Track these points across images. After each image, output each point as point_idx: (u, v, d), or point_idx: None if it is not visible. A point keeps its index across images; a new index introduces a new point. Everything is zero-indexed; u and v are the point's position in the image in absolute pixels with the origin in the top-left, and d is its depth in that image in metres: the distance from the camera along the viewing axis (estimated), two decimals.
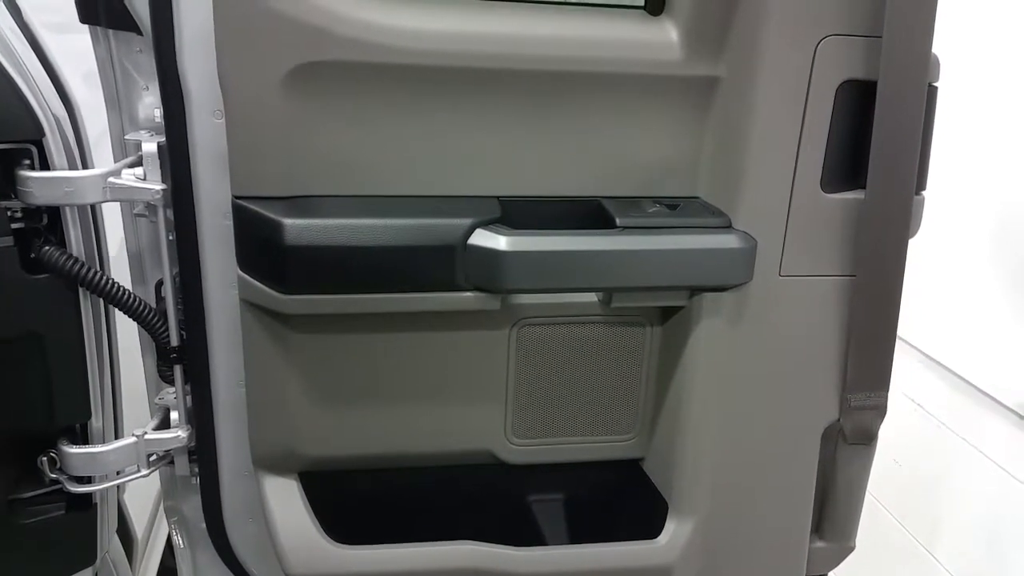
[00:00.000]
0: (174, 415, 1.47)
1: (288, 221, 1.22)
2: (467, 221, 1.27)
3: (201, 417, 1.44)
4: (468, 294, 1.29)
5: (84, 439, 1.45)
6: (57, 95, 1.32)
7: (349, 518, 1.44)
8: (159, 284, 1.46)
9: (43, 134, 1.27)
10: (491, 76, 1.25)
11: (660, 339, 1.46)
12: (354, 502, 1.48)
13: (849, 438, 1.43)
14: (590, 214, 1.34)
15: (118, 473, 1.46)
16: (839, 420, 1.41)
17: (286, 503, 1.41)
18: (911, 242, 1.32)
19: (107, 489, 1.47)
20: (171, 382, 1.46)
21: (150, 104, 1.37)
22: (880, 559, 2.84)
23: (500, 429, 1.46)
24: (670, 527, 1.46)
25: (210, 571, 1.61)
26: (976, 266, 2.53)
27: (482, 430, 1.45)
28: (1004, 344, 2.43)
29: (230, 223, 1.28)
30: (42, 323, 1.35)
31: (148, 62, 1.31)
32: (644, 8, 1.30)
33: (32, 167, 1.28)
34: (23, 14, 1.34)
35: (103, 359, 1.43)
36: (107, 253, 1.41)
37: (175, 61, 1.24)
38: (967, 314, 2.58)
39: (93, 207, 1.36)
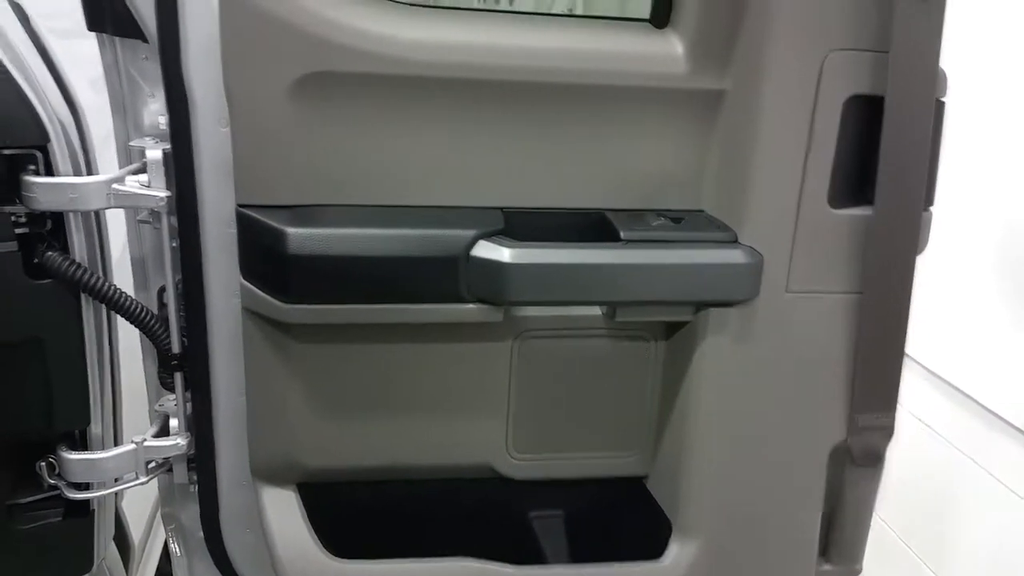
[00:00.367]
0: (173, 422, 1.46)
1: (291, 230, 1.21)
2: (470, 232, 1.26)
3: (201, 425, 1.43)
4: (470, 306, 1.28)
5: (83, 445, 1.44)
6: (63, 100, 1.32)
7: (347, 530, 1.43)
8: (161, 291, 1.46)
9: (48, 139, 1.27)
10: (495, 87, 1.24)
11: (664, 354, 1.45)
12: (353, 514, 1.47)
13: (856, 459, 1.41)
14: (594, 226, 1.33)
15: (116, 480, 1.45)
16: (846, 441, 1.40)
17: (284, 514, 1.40)
18: (918, 258, 1.31)
19: (105, 496, 1.46)
20: (171, 389, 1.46)
21: (155, 111, 1.37)
22: None
23: (501, 443, 1.45)
24: (673, 548, 1.44)
25: None
26: (983, 282, 2.51)
27: (483, 444, 1.44)
28: (1012, 362, 2.41)
29: (234, 231, 1.28)
30: (44, 328, 1.34)
31: (154, 69, 1.31)
32: (649, 21, 1.30)
33: (37, 172, 1.27)
34: (30, 19, 1.34)
35: (104, 365, 1.42)
36: (110, 259, 1.40)
37: (181, 69, 1.24)
38: (974, 331, 2.55)
39: (97, 213, 1.36)
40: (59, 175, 1.29)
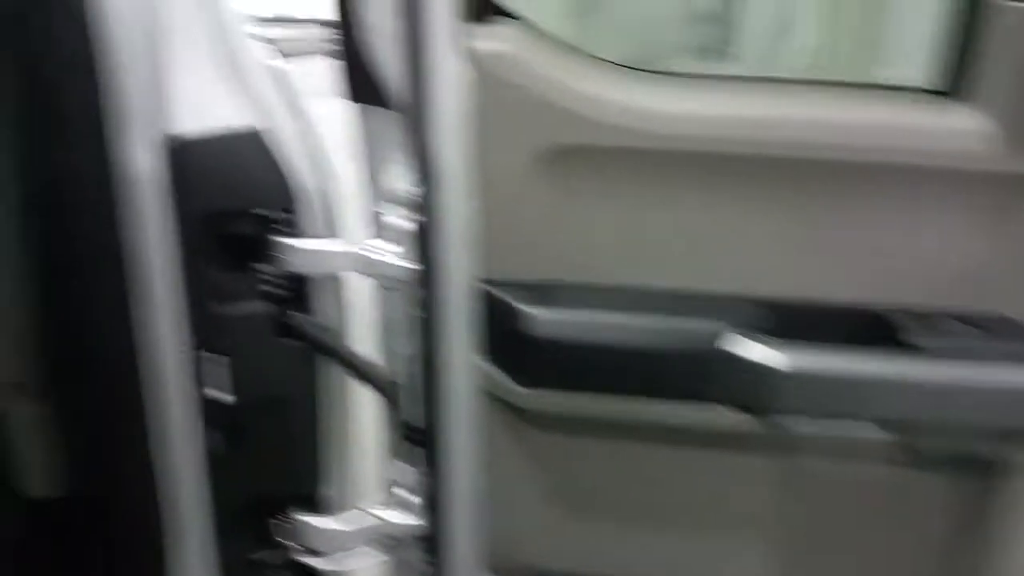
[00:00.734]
0: (406, 495, 1.42)
1: (531, 311, 1.13)
2: (726, 326, 1.11)
3: (435, 506, 1.37)
4: (726, 411, 1.13)
5: (316, 509, 1.43)
6: (314, 162, 1.32)
7: None
8: (403, 360, 1.42)
9: (298, 202, 1.27)
10: (755, 163, 1.09)
11: (964, 494, 1.21)
12: None
13: None
14: (868, 327, 1.13)
15: (345, 549, 1.43)
16: None
17: None
18: None
19: (333, 563, 1.44)
20: (407, 461, 1.41)
21: (403, 179, 1.32)
22: None
23: (747, 571, 1.27)
24: None
25: None
26: None
27: (727, 569, 1.27)
28: None
29: (476, 306, 1.21)
30: (284, 388, 1.34)
31: (403, 138, 1.27)
32: (945, 93, 1.08)
33: (285, 234, 1.27)
34: (287, 79, 1.34)
35: (341, 428, 1.40)
36: (353, 324, 1.38)
37: (429, 140, 1.18)
38: None
39: (341, 277, 1.34)
40: (306, 237, 1.28)
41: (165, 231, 1.20)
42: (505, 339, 1.17)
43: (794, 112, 1.10)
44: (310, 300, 1.32)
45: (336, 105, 1.30)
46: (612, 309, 1.14)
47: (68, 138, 1.18)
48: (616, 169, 1.13)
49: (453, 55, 1.07)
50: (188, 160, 1.21)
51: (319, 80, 1.36)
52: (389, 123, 1.30)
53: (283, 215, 1.27)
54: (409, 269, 1.28)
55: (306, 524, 1.40)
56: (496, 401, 1.21)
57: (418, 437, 1.39)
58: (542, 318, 1.13)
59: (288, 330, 1.31)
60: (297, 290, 1.32)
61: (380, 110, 1.29)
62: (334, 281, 1.33)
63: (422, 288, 1.29)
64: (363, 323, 1.42)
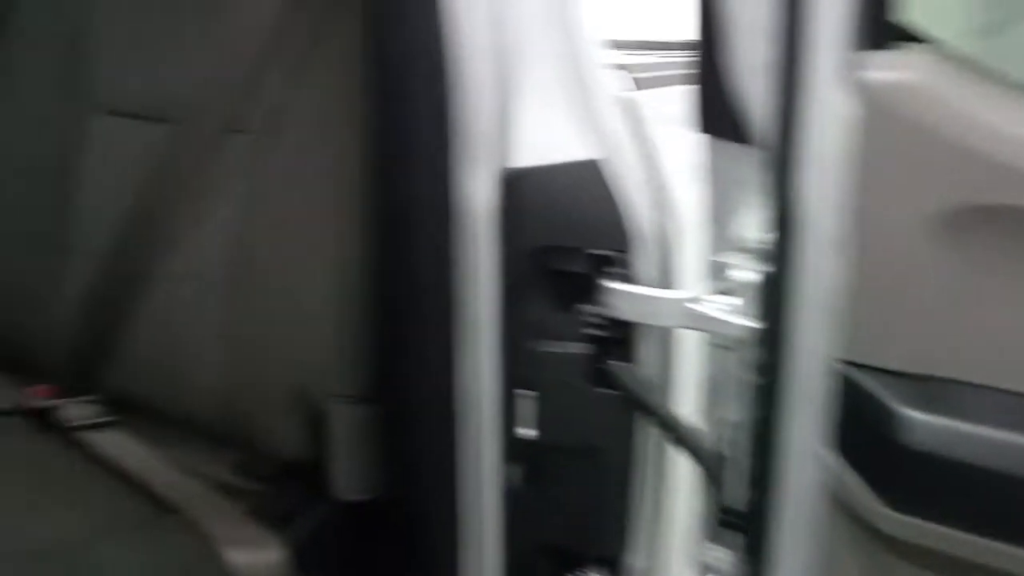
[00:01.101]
0: None
1: (908, 411, 0.90)
2: None
3: None
4: None
5: (616, 573, 1.31)
6: (656, 201, 1.20)
7: None
8: (729, 428, 1.25)
9: (633, 243, 1.17)
10: None
11: None
12: None
13: None
14: None
15: None
16: None
17: None
18: None
19: None
20: (724, 546, 1.24)
21: (752, 226, 1.16)
22: None
23: None
24: None
25: None
26: None
27: None
28: None
29: (833, 389, 1.01)
30: (594, 438, 1.25)
31: (760, 177, 1.11)
32: None
33: (616, 277, 1.18)
34: (637, 111, 1.23)
35: (654, 492, 1.27)
36: (677, 382, 1.25)
37: (793, 181, 1.00)
38: None
39: (671, 329, 1.22)
40: (638, 283, 1.18)
41: (495, 263, 1.17)
42: (867, 439, 0.97)
43: None
44: (633, 349, 1.22)
45: (684, 138, 1.17)
46: (1016, 429, 0.88)
47: (411, 165, 1.19)
48: None
49: (836, 87, 0.89)
50: (523, 192, 1.17)
51: (669, 110, 1.24)
52: (744, 160, 1.15)
53: (616, 255, 1.18)
54: (750, 329, 1.12)
55: None
56: (843, 509, 1.00)
57: (739, 523, 1.22)
58: (923, 423, 0.89)
59: (605, 378, 1.22)
60: (620, 337, 1.22)
61: (735, 145, 1.14)
62: (662, 332, 1.22)
63: (764, 353, 1.12)
64: (689, 382, 1.28)
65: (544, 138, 1.18)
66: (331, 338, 1.32)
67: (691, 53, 1.10)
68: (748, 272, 1.11)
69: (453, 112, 1.12)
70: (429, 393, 1.23)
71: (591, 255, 1.19)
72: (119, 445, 1.41)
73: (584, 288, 1.20)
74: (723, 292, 1.15)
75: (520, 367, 1.22)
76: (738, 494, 1.20)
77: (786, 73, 0.90)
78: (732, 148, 1.13)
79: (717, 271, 1.19)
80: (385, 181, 1.23)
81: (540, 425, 1.24)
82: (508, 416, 1.23)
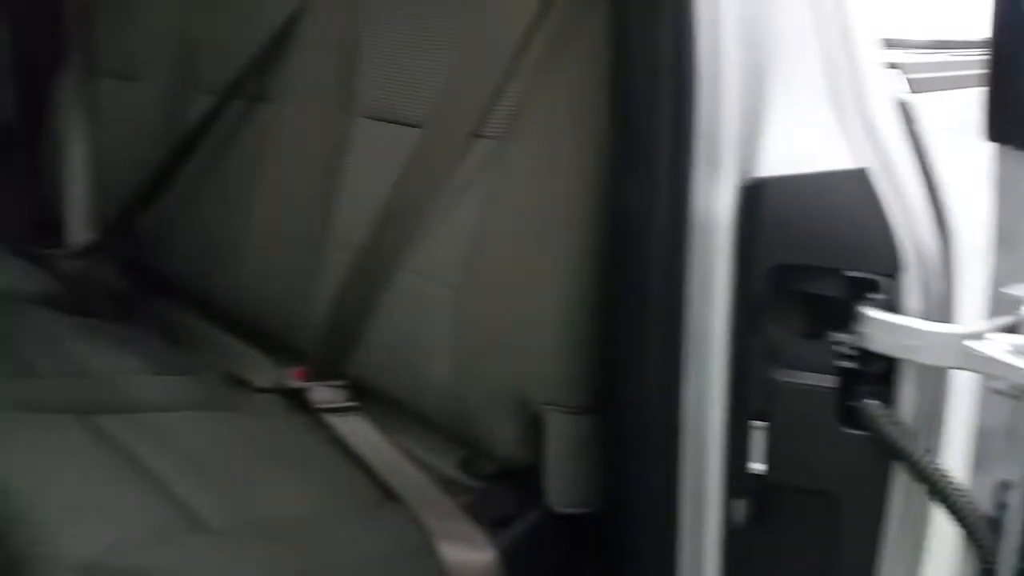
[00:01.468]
0: None
1: None
2: None
3: None
4: None
5: None
6: (932, 220, 1.06)
7: None
8: (1003, 486, 1.08)
9: (901, 268, 1.04)
10: None
11: None
12: None
13: None
14: None
15: None
16: None
17: None
18: None
19: None
20: None
21: None
22: None
23: None
24: None
25: None
26: None
27: None
28: None
29: None
30: (835, 483, 1.13)
31: None
32: None
33: (878, 304, 1.05)
34: (910, 114, 1.09)
35: (906, 553, 1.13)
36: (943, 430, 1.10)
37: None
38: None
39: (941, 370, 1.08)
40: (904, 313, 1.05)
41: (731, 279, 1.09)
42: None
43: None
44: (892, 388, 1.08)
45: (970, 147, 1.02)
46: None
47: (649, 173, 1.13)
48: None
49: None
50: (768, 204, 1.08)
51: (952, 115, 1.10)
52: None
53: (880, 279, 1.05)
54: None
55: None
56: None
57: None
58: None
59: (855, 416, 1.09)
60: (877, 373, 1.09)
61: None
62: (930, 371, 1.07)
63: None
64: (958, 432, 1.12)
65: (798, 145, 1.09)
66: (555, 346, 1.30)
67: (981, 51, 0.96)
68: None
69: (697, 117, 1.06)
70: (652, 413, 1.18)
71: (849, 277, 1.07)
72: (357, 430, 1.49)
73: (836, 314, 1.09)
74: (1010, 329, 0.99)
75: (753, 395, 1.13)
76: (1008, 565, 1.03)
77: None
78: None
79: (1004, 304, 1.03)
80: (621, 188, 1.19)
81: (771, 460, 1.15)
82: (736, 447, 1.15)
